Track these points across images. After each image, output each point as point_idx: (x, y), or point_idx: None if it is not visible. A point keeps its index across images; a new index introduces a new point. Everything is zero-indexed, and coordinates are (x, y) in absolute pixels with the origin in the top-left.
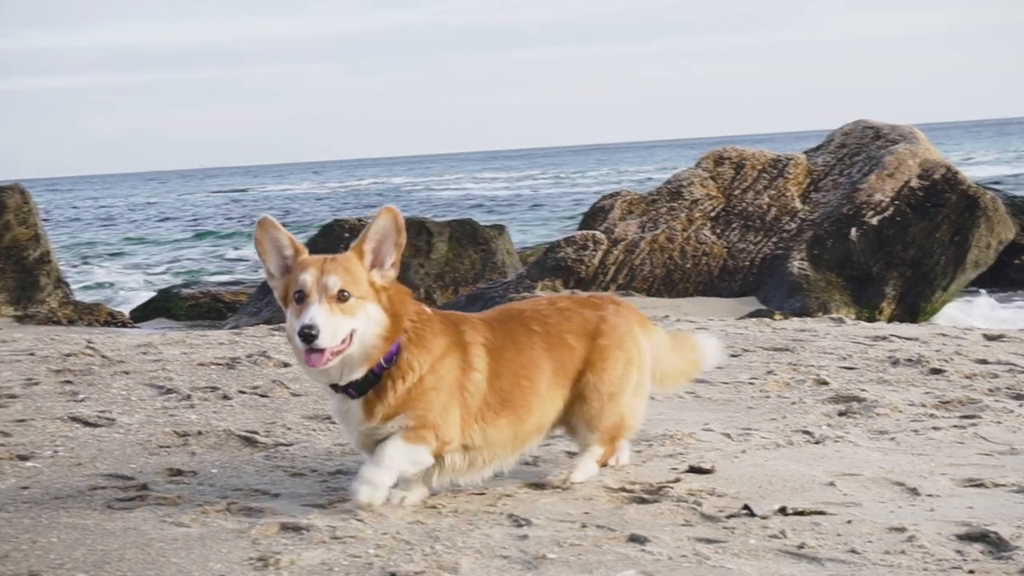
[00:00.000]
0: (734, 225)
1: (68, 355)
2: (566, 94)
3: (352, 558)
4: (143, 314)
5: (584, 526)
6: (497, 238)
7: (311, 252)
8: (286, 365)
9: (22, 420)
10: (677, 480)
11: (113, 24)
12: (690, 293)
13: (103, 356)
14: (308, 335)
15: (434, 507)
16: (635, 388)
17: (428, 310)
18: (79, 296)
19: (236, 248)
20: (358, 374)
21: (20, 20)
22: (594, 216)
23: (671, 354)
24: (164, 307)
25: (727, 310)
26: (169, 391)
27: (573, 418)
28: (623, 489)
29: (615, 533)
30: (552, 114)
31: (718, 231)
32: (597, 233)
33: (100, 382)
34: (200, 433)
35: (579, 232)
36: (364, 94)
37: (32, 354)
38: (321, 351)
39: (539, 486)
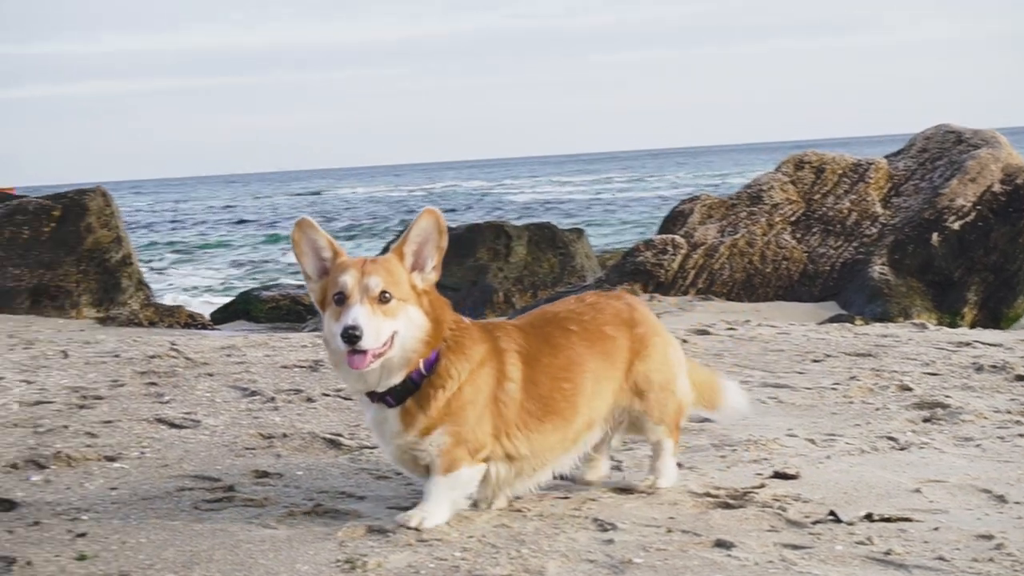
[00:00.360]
0: (814, 230)
1: (152, 357)
2: (643, 98)
3: (438, 561)
4: (223, 316)
5: (669, 531)
6: (576, 242)
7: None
8: None
9: (109, 421)
10: (762, 485)
11: (191, 27)
12: (770, 298)
13: (187, 358)
14: (352, 335)
15: (519, 511)
16: (680, 368)
17: (465, 319)
18: (159, 298)
19: None
20: (397, 379)
21: (99, 23)
22: (673, 220)
23: (690, 366)
24: (244, 309)
25: (807, 315)
26: (253, 393)
27: (636, 415)
28: (707, 494)
29: (700, 538)
30: (629, 118)
31: (798, 235)
32: (677, 237)
33: (185, 384)
34: (285, 435)
35: (658, 236)
36: (439, 98)
37: (117, 356)
38: (364, 352)
39: (624, 490)
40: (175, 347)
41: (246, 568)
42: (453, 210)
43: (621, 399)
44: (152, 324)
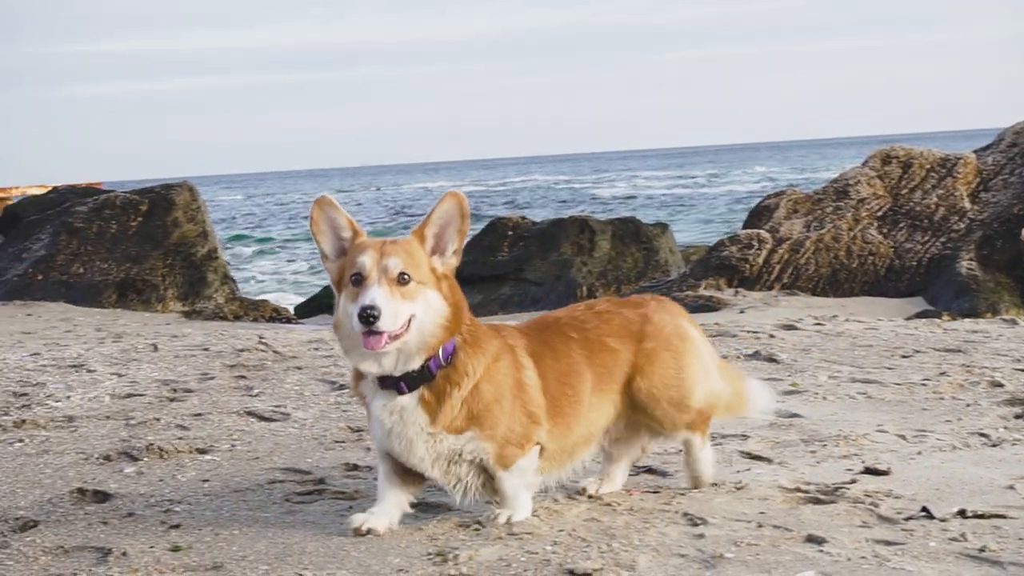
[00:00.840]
0: (901, 225)
1: (241, 350)
2: (727, 93)
3: (529, 554)
4: (307, 310)
5: (760, 526)
6: (660, 236)
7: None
8: None
9: (199, 414)
10: (853, 481)
11: (275, 24)
12: (855, 293)
13: (275, 351)
14: (369, 316)
15: (608, 505)
16: (704, 372)
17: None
18: (244, 292)
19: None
20: (414, 364)
21: (183, 20)
22: (759, 215)
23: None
24: (327, 303)
25: (893, 310)
26: (342, 387)
27: (650, 428)
28: (798, 489)
29: (792, 533)
30: (713, 112)
31: (884, 230)
32: (762, 232)
33: (273, 377)
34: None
35: (743, 231)
36: (522, 93)
37: (206, 349)
38: (380, 334)
39: (712, 484)
40: (263, 341)
41: (338, 561)
42: (526, 206)
43: (623, 414)
44: (237, 318)
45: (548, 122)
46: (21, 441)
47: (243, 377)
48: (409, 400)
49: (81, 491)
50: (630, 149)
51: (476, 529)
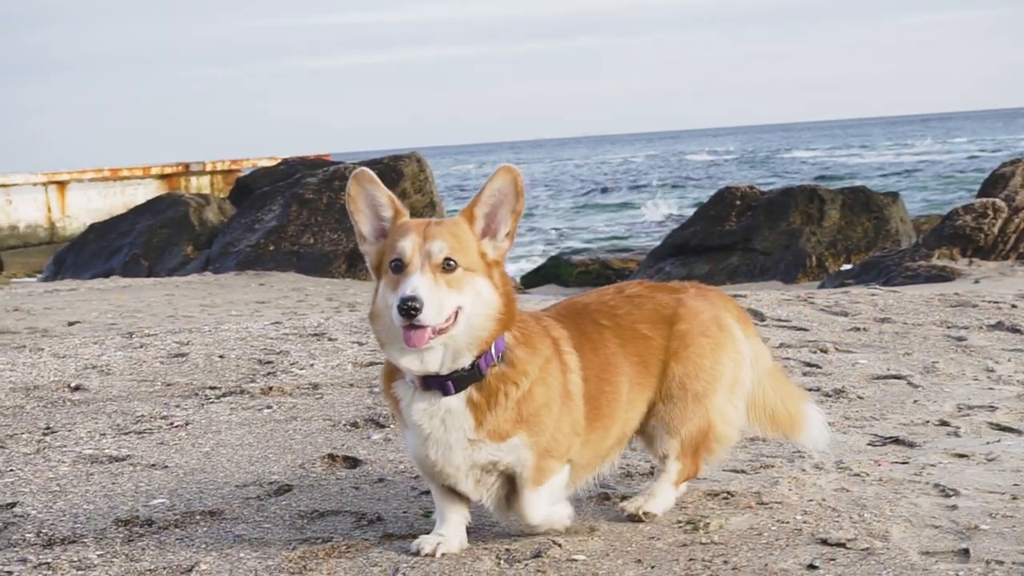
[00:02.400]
0: None
1: None
2: (950, 59)
3: (780, 524)
4: (533, 280)
5: (1015, 498)
6: (891, 206)
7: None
8: None
9: None
10: None
11: None
12: None
13: None
14: (410, 308)
15: (858, 475)
16: (730, 386)
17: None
18: None
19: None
20: (463, 362)
21: None
22: (994, 183)
23: (769, 381)
24: (554, 273)
25: None
26: None
27: (652, 422)
28: None
29: None
30: (937, 79)
31: None
32: (997, 201)
33: None
34: None
35: (978, 200)
36: (737, 62)
37: None
38: (423, 328)
39: (962, 456)
40: None
41: (587, 529)
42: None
43: (651, 407)
44: None
45: (766, 91)
46: (269, 408)
47: None
48: (456, 402)
49: (332, 456)
50: (850, 117)
51: (725, 498)
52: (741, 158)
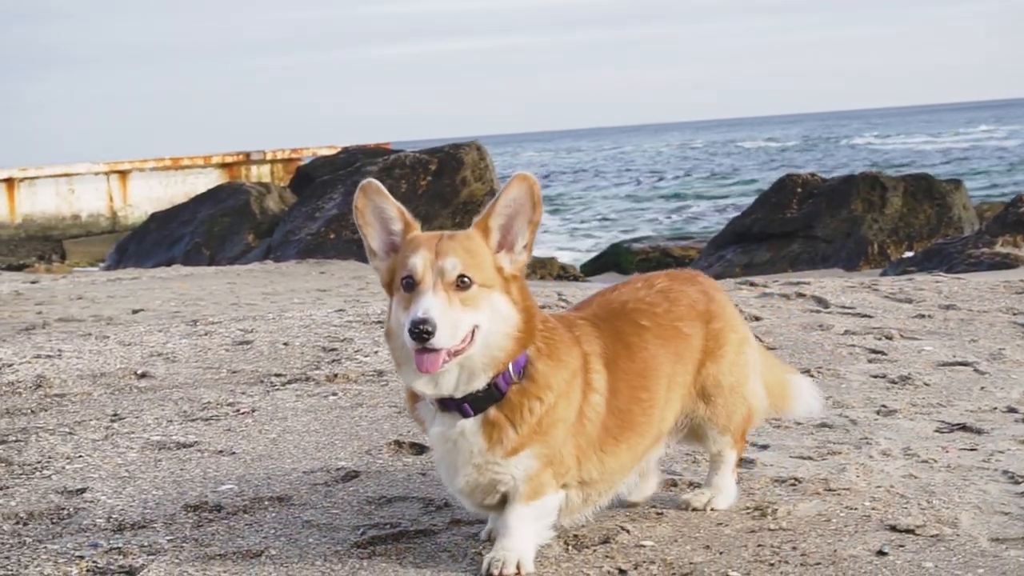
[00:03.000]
0: None
1: (541, 307)
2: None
3: (848, 510)
4: (593, 268)
5: None
6: (953, 192)
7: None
8: (757, 318)
9: None
10: None
11: None
12: None
13: None
14: (422, 332)
15: (925, 462)
16: (753, 369)
17: (545, 314)
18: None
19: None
20: (479, 383)
21: None
22: None
23: (761, 356)
24: (614, 261)
25: None
26: None
27: (698, 421)
28: None
29: None
30: (1005, 64)
31: None
32: None
33: None
34: None
35: None
36: (806, 49)
37: None
38: (437, 351)
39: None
40: (563, 297)
41: (655, 515)
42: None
43: (687, 405)
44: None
45: (837, 77)
46: (335, 395)
47: None
48: (471, 424)
49: (398, 443)
50: (914, 104)
51: (793, 485)
52: (797, 146)
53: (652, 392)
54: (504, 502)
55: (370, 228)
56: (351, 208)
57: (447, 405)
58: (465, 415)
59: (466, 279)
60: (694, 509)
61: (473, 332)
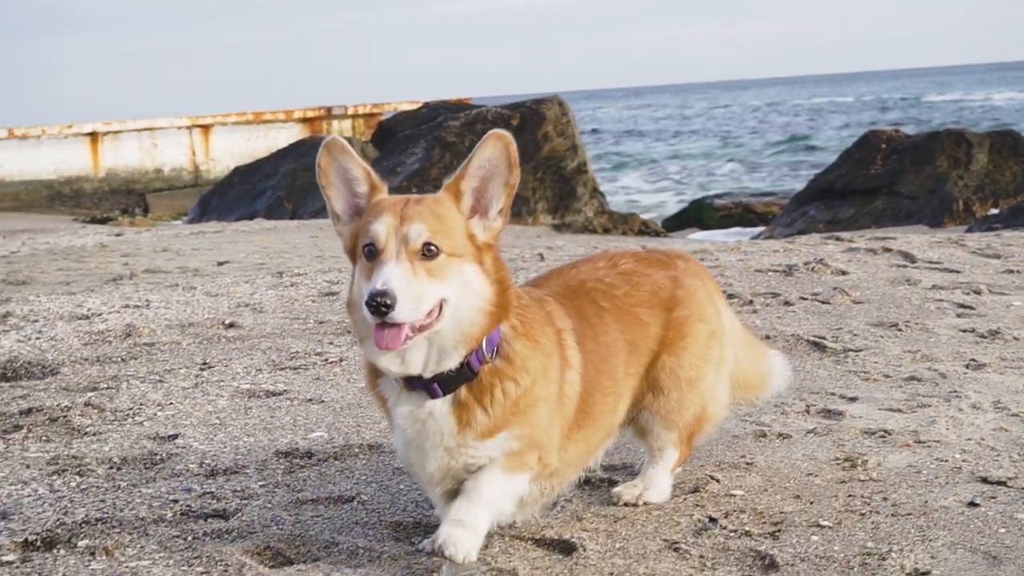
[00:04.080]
0: None
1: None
2: None
3: (939, 462)
4: (675, 224)
5: None
6: None
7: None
8: (843, 273)
9: None
10: None
11: None
12: None
13: None
14: (380, 304)
15: (1016, 415)
16: (717, 367)
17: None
18: (610, 206)
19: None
20: (451, 362)
21: None
22: None
23: (742, 351)
24: (696, 217)
25: None
26: (730, 296)
27: (645, 414)
28: None
29: None
30: None
31: None
32: None
33: None
34: (768, 337)
35: None
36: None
37: None
38: (398, 326)
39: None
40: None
41: (745, 464)
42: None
43: (636, 397)
44: (606, 231)
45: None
46: None
47: None
48: (440, 405)
49: None
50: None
51: (882, 436)
52: (872, 103)
53: (613, 379)
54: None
55: (333, 189)
56: (431, 163)
57: (414, 384)
58: (433, 395)
59: (433, 247)
60: (625, 504)
61: (441, 306)
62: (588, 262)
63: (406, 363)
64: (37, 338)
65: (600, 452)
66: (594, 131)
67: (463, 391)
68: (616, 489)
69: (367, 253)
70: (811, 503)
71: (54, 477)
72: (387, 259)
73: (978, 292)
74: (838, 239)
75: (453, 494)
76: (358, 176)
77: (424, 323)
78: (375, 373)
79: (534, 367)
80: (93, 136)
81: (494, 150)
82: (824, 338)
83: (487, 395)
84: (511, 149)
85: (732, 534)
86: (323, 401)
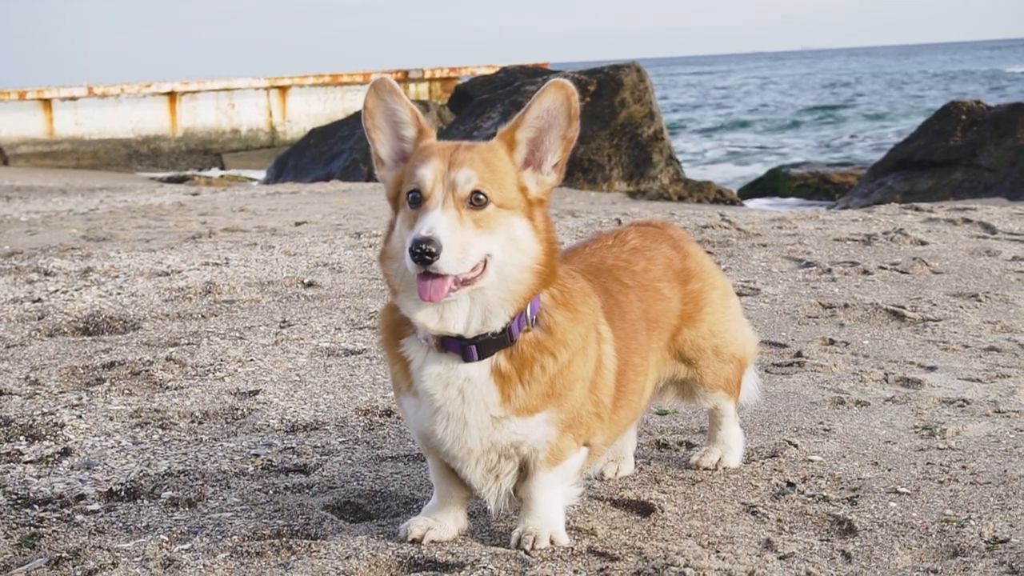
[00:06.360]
0: None
1: (704, 227)
2: None
3: (1018, 432)
4: (750, 193)
5: None
6: None
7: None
8: (923, 243)
9: None
10: None
11: None
12: None
13: (739, 229)
14: (424, 252)
15: None
16: (736, 316)
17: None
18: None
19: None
20: (496, 323)
21: None
22: None
23: None
24: (772, 186)
25: None
26: (808, 264)
27: (682, 383)
28: None
29: None
30: None
31: None
32: None
33: (739, 254)
34: (846, 306)
35: None
36: None
37: None
38: (442, 278)
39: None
40: (725, 218)
41: (823, 431)
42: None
43: (663, 371)
44: (681, 199)
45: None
46: None
47: (709, 253)
48: (478, 371)
49: None
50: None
51: (961, 406)
52: (951, 73)
53: (643, 356)
54: (514, 477)
55: (379, 132)
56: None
57: (449, 345)
58: (468, 359)
59: (482, 196)
60: (705, 469)
61: (486, 261)
62: (596, 242)
63: (444, 320)
64: (118, 293)
65: (631, 432)
66: (667, 98)
67: (502, 359)
68: (694, 458)
69: (411, 200)
70: (889, 470)
71: (137, 429)
72: (433, 206)
73: None
74: (917, 209)
75: (495, 473)
76: (406, 119)
77: (468, 276)
78: (396, 332)
79: (573, 340)
80: (171, 96)
81: (554, 100)
82: (903, 307)
83: (528, 368)
84: (572, 100)
85: (810, 499)
86: None
